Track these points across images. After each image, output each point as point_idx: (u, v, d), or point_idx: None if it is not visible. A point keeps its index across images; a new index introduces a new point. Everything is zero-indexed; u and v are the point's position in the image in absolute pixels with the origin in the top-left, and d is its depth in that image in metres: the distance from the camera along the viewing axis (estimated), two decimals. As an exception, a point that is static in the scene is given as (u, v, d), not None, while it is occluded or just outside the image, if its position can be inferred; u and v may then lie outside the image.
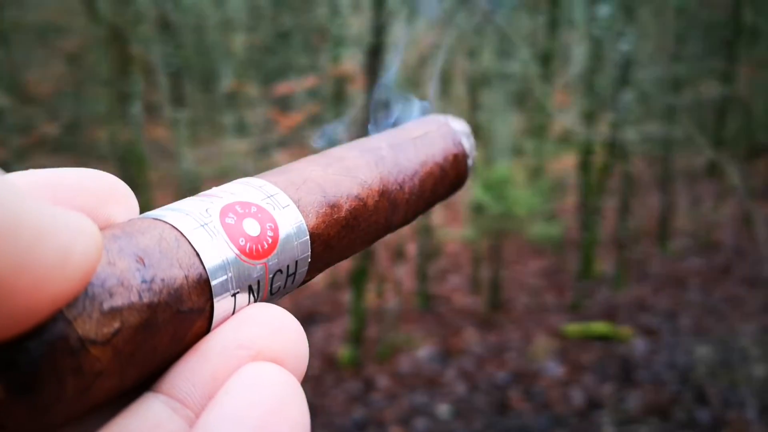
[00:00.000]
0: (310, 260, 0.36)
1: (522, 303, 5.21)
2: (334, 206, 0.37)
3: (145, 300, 0.26)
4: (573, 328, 4.54)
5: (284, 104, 6.28)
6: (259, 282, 0.32)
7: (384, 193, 0.41)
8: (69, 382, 0.23)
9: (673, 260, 6.08)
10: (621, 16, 5.12)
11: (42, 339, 0.22)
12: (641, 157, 7.26)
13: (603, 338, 4.37)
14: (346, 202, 0.38)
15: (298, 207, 0.35)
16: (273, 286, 0.33)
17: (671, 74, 6.63)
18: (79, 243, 0.21)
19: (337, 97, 4.94)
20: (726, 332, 4.20)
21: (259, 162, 5.14)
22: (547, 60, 6.03)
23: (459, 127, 0.52)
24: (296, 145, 5.41)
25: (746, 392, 3.43)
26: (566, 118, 5.72)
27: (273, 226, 0.33)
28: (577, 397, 3.67)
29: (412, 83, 3.83)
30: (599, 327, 4.49)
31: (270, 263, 0.32)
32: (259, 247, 0.32)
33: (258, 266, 0.32)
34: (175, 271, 0.28)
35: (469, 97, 5.80)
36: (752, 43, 9.38)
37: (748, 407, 3.32)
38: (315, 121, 5.33)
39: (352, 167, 0.40)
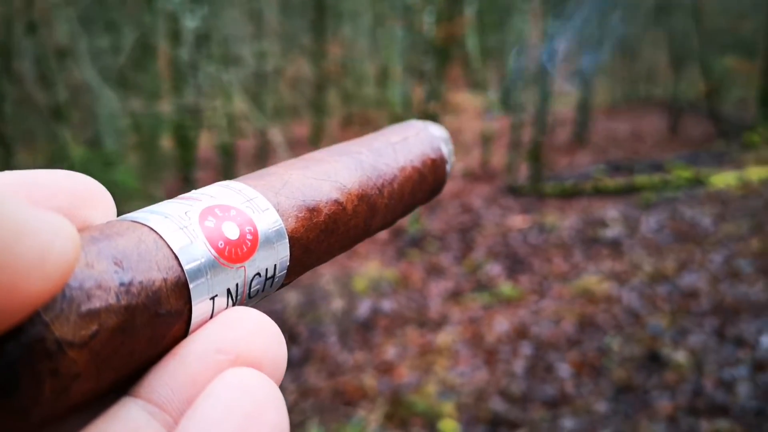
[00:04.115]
0: (289, 264, 0.36)
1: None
2: (313, 210, 0.37)
3: (123, 302, 0.26)
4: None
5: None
6: (237, 285, 0.32)
7: (363, 198, 0.42)
8: (46, 385, 0.23)
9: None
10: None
11: (19, 341, 0.22)
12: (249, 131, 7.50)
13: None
14: (325, 206, 0.38)
15: (278, 210, 0.35)
16: (252, 290, 0.33)
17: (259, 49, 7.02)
18: (58, 243, 0.21)
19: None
20: (311, 279, 4.84)
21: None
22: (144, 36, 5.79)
23: (438, 132, 0.53)
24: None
25: (328, 324, 4.19)
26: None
27: (252, 230, 0.33)
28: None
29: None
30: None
31: (249, 266, 0.32)
32: (238, 250, 0.32)
33: (237, 269, 0.32)
34: (153, 274, 0.28)
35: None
36: (337, 23, 9.76)
37: (330, 336, 4.05)
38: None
39: (332, 171, 0.41)
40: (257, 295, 0.34)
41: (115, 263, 0.26)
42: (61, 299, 0.23)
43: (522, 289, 4.51)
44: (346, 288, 4.75)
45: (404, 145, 0.48)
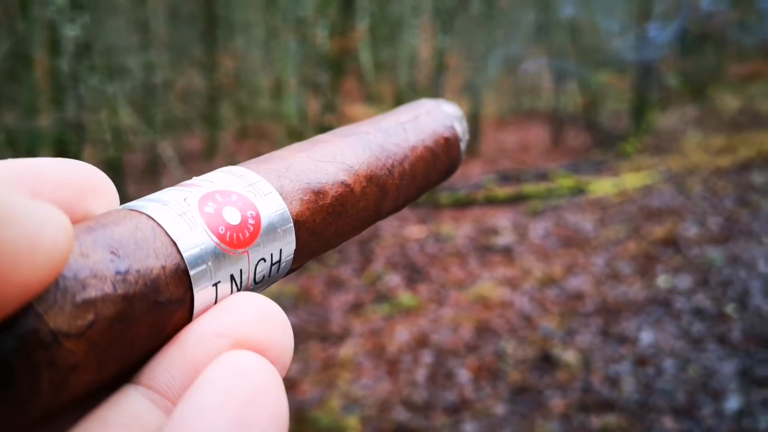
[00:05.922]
0: (295, 248, 0.35)
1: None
2: (319, 193, 0.37)
3: (120, 291, 0.26)
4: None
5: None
6: (241, 271, 0.32)
7: (372, 179, 0.41)
8: (44, 377, 0.23)
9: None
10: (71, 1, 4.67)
11: (12, 333, 0.22)
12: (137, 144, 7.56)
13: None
14: (331, 189, 0.38)
15: (281, 194, 0.35)
16: (257, 276, 0.33)
17: (147, 60, 7.06)
18: (48, 232, 0.21)
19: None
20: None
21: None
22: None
23: (451, 110, 0.51)
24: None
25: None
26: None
27: (254, 214, 0.32)
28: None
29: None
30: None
31: (252, 252, 0.32)
32: (240, 235, 0.31)
33: (240, 255, 0.31)
34: (151, 262, 0.27)
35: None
36: (228, 35, 9.84)
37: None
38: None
39: (338, 153, 0.40)
40: (263, 281, 0.34)
41: (111, 252, 0.26)
42: (54, 290, 0.23)
43: (421, 298, 4.60)
44: (245, 305, 4.64)
45: (415, 124, 0.47)
